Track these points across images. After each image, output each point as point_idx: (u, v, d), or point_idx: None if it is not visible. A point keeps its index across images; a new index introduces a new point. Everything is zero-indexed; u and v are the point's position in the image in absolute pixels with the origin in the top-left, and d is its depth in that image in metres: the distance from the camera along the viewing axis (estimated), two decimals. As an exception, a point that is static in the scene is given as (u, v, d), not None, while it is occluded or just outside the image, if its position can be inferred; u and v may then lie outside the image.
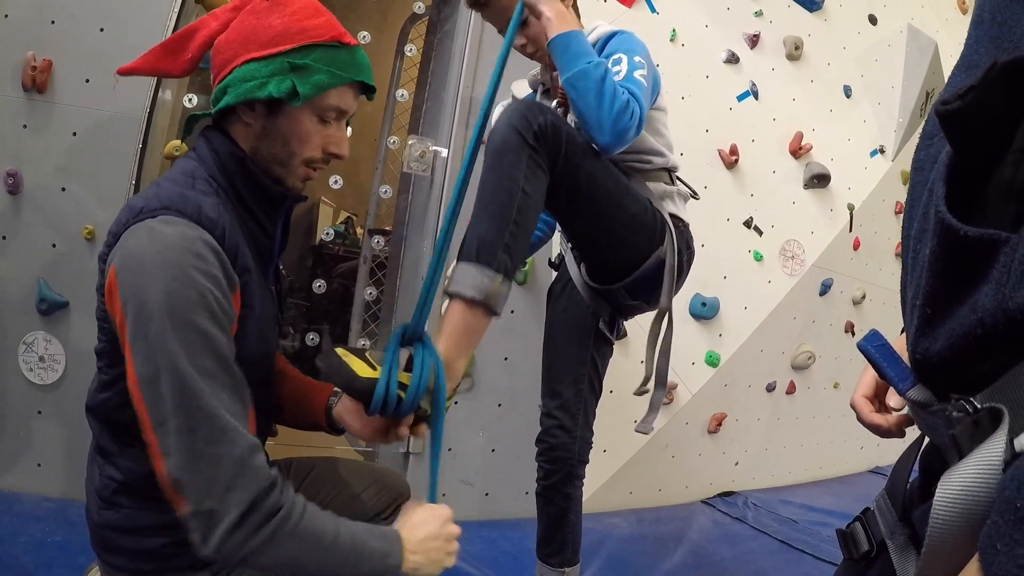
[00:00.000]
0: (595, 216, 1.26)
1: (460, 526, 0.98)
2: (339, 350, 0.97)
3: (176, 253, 0.79)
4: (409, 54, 2.23)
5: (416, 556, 0.90)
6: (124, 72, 0.99)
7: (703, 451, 2.74)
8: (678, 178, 1.52)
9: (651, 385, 1.45)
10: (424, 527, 0.93)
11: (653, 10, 2.55)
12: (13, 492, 1.67)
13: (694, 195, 1.54)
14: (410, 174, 2.17)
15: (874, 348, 0.58)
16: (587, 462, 1.51)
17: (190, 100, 1.95)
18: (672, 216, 1.40)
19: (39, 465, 1.73)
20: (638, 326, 2.03)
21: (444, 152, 2.15)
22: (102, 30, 1.79)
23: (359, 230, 3.57)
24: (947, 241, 0.44)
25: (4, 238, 1.72)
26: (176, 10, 1.85)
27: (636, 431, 1.44)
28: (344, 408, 1.08)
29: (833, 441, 3.23)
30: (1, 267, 1.72)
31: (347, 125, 1.02)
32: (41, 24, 1.74)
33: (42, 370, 1.72)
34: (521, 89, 1.79)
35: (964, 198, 0.44)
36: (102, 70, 1.78)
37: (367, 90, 0.99)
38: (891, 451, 3.45)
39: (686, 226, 1.45)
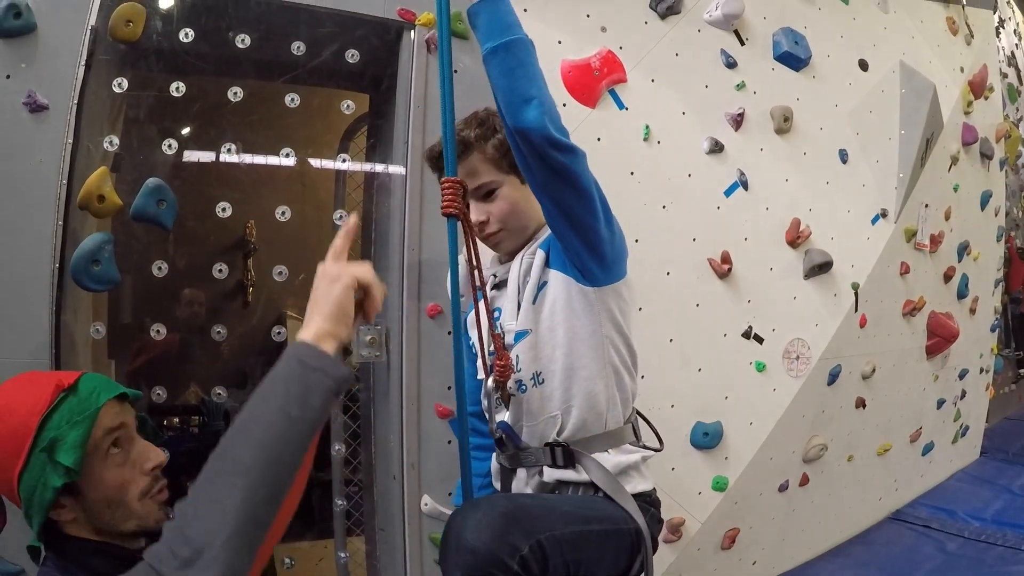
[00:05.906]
0: None
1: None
2: None
3: None
4: (339, 221, 1.88)
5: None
6: None
7: (718, 567, 2.53)
8: (639, 415, 1.34)
9: None
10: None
11: (621, 106, 2.19)
12: None
13: (659, 448, 1.36)
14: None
15: None
16: None
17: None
18: (639, 497, 1.23)
19: None
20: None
21: (395, 328, 1.84)
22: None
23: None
24: None
25: None
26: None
27: None
28: None
29: (851, 504, 3.04)
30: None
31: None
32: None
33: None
34: None
35: None
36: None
37: (123, 397, 0.96)
38: (909, 493, 3.28)
39: (654, 496, 1.30)
